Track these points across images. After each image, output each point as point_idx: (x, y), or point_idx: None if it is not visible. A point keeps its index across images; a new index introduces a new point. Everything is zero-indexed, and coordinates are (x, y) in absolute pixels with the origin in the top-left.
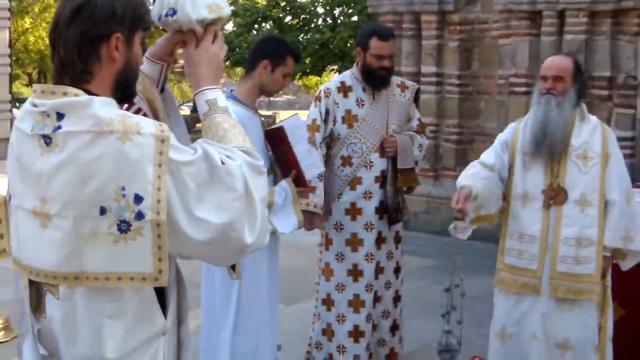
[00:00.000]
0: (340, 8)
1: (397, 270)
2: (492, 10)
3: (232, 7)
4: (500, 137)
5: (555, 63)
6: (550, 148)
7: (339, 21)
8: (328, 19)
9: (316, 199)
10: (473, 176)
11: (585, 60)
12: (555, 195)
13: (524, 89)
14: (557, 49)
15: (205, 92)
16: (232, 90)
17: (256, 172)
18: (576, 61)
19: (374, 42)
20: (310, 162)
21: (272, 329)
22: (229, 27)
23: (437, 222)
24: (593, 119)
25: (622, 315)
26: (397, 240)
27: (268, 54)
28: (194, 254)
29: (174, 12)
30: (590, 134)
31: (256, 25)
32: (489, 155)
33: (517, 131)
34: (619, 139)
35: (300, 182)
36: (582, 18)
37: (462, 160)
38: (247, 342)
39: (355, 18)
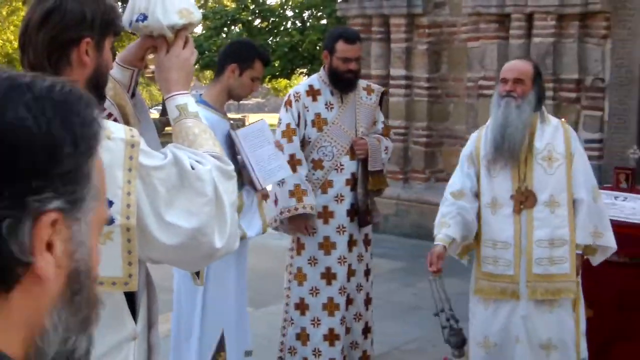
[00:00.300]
0: (310, 11)
1: (367, 273)
2: (461, 13)
3: (201, 10)
4: (464, 152)
5: (515, 66)
6: (510, 151)
7: (308, 24)
8: (297, 22)
9: (310, 200)
10: (446, 222)
11: (554, 63)
12: (524, 199)
13: (492, 91)
14: (526, 52)
15: (175, 97)
16: (200, 95)
17: (226, 177)
18: (536, 65)
19: (340, 46)
20: (276, 165)
21: (241, 334)
22: (198, 30)
23: (407, 224)
24: (554, 120)
25: (590, 316)
26: (367, 242)
27: (236, 57)
28: (163, 259)
29: (145, 17)
30: (553, 135)
31: (225, 29)
32: (456, 179)
33: (479, 141)
34: (587, 141)
35: (253, 186)
36: (550, 21)
37: (431, 163)
38: (212, 347)
39: (324, 21)
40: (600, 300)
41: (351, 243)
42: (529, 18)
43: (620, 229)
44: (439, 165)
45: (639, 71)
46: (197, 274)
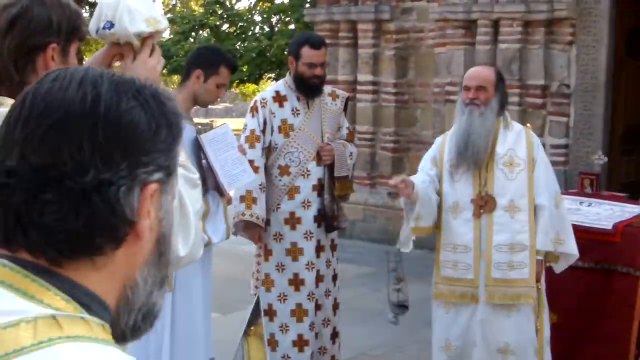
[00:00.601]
0: (278, 16)
1: (334, 278)
2: (428, 19)
3: (169, 15)
4: (428, 155)
5: (477, 73)
6: (473, 157)
7: (276, 29)
8: (265, 27)
9: (258, 210)
10: (414, 179)
11: (520, 69)
12: (484, 204)
13: (458, 98)
14: (492, 58)
15: None
16: None
17: (191, 185)
18: (498, 71)
19: (305, 51)
20: (240, 170)
21: (206, 341)
22: (166, 34)
23: (374, 230)
24: (517, 126)
25: (555, 321)
26: (333, 247)
27: (201, 63)
28: None
29: (112, 25)
30: (515, 140)
31: (193, 33)
32: (419, 176)
33: (443, 145)
34: (553, 147)
35: (219, 191)
36: (516, 27)
37: (399, 169)
38: (182, 355)
39: (292, 26)
40: (565, 305)
41: (319, 249)
42: (495, 24)
43: (585, 234)
44: (406, 170)
45: (604, 77)
46: None
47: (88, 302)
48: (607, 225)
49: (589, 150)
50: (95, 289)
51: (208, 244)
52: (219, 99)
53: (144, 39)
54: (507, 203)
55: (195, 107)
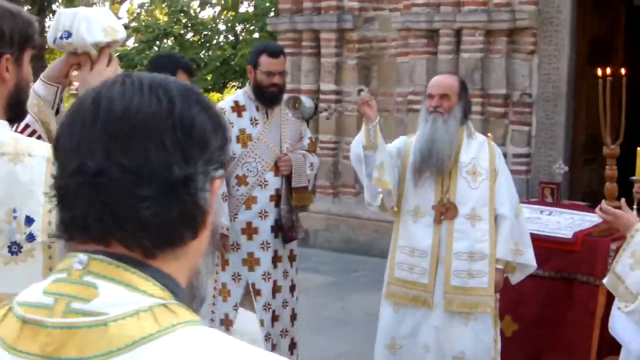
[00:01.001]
0: (242, 25)
1: (292, 289)
2: (390, 29)
3: (133, 23)
4: (394, 145)
5: (441, 81)
6: (437, 165)
7: (241, 38)
8: (230, 36)
9: (225, 221)
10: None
11: (482, 78)
12: (445, 211)
13: (421, 106)
14: (454, 67)
15: None
16: None
17: None
18: (461, 80)
19: (264, 59)
20: None
21: None
22: (130, 43)
23: (337, 239)
24: (479, 136)
25: (515, 330)
26: (292, 258)
27: (158, 70)
28: None
29: (69, 34)
30: (478, 150)
31: (157, 42)
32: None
33: (409, 145)
34: (515, 156)
35: None
36: (478, 37)
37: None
38: None
39: (256, 35)
40: (526, 314)
41: (276, 259)
42: (458, 34)
43: (546, 243)
44: None
45: (566, 86)
46: None
47: (175, 290)
48: (568, 234)
49: (550, 159)
50: (176, 277)
51: None
52: None
53: (102, 48)
54: (468, 211)
55: None
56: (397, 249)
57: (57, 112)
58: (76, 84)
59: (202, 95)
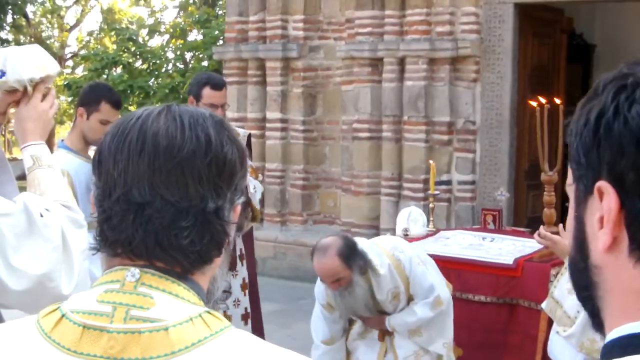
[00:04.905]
0: (191, 53)
1: (245, 317)
2: (335, 57)
3: (82, 51)
4: (320, 300)
5: (324, 271)
6: (365, 318)
7: (190, 66)
8: (178, 63)
9: None
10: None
11: (425, 106)
12: (387, 332)
13: (366, 134)
14: (399, 95)
15: (31, 146)
16: (62, 140)
17: (75, 226)
18: (340, 251)
19: (207, 92)
20: None
21: None
22: (79, 71)
23: (284, 267)
24: (382, 265)
25: (460, 355)
26: (244, 287)
27: (83, 101)
28: (13, 304)
29: (3, 73)
30: (389, 280)
31: (106, 70)
32: (321, 326)
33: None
34: (460, 183)
35: None
36: (422, 65)
37: (309, 205)
38: None
39: (205, 63)
40: (470, 339)
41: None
42: (401, 62)
43: (488, 269)
44: (316, 207)
45: (509, 113)
46: None
47: (203, 298)
48: (508, 260)
49: (495, 186)
50: (204, 287)
51: None
52: None
53: (36, 84)
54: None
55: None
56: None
57: None
58: (14, 121)
59: (230, 130)
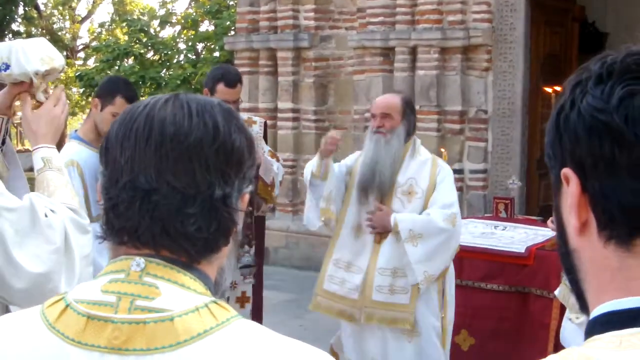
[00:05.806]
0: (202, 44)
1: (240, 300)
2: (347, 47)
3: (94, 43)
4: (344, 162)
5: (382, 101)
6: (380, 187)
7: (201, 56)
8: (190, 54)
9: None
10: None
11: (437, 95)
12: (384, 236)
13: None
14: (410, 84)
15: (42, 149)
16: (76, 131)
17: (80, 230)
18: (404, 98)
19: (220, 88)
20: None
21: None
22: (91, 62)
23: (296, 256)
24: (425, 154)
25: (472, 344)
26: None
27: (99, 92)
28: (12, 300)
29: (8, 66)
30: (417, 169)
31: (118, 62)
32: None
33: (357, 162)
34: (472, 172)
35: None
36: (434, 54)
37: None
38: None
39: (217, 54)
40: (481, 328)
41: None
42: (413, 51)
43: (499, 257)
44: None
45: (521, 102)
46: None
47: (211, 288)
48: (520, 248)
49: (507, 175)
50: (211, 276)
51: None
52: None
53: (43, 76)
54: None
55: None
56: (331, 261)
57: (3, 143)
58: (19, 113)
59: (239, 119)
